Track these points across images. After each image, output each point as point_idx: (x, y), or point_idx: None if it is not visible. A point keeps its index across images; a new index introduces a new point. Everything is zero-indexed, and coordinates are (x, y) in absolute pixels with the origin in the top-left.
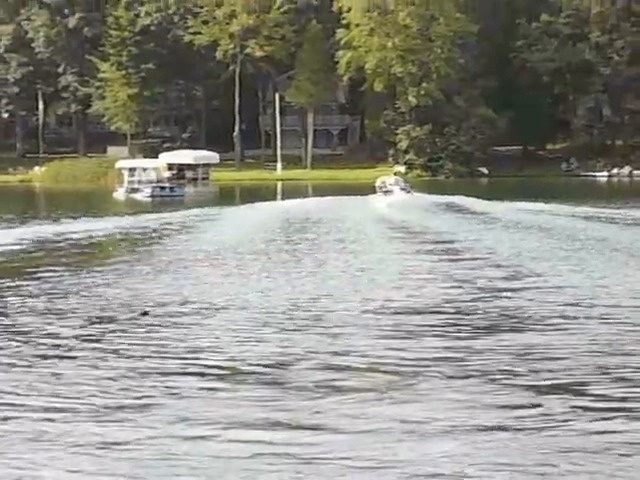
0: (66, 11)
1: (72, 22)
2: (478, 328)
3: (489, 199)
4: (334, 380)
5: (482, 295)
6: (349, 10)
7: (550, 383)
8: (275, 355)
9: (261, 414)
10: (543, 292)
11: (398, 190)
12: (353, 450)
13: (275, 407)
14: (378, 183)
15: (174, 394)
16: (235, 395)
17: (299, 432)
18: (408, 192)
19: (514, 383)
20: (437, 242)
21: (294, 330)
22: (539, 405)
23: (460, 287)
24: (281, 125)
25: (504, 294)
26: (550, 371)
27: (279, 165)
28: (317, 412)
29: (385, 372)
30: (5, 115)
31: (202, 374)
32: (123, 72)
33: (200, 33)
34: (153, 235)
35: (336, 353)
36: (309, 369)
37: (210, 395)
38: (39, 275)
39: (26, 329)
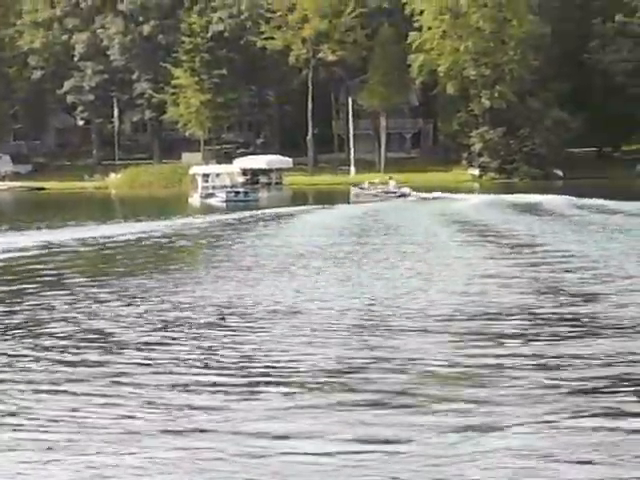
0: (140, 19)
1: (146, 29)
2: (558, 335)
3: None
4: (404, 389)
5: (565, 299)
6: (421, 13)
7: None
8: (345, 361)
9: (333, 425)
10: (632, 296)
11: (408, 193)
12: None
13: (345, 418)
14: (356, 191)
15: (255, 401)
16: (310, 403)
17: (373, 445)
18: (408, 195)
19: (594, 391)
20: (516, 245)
21: (361, 335)
22: (622, 414)
23: (540, 291)
24: (354, 129)
25: (588, 298)
26: (634, 380)
27: (352, 169)
28: (388, 424)
29: (456, 380)
30: (81, 122)
31: (277, 382)
32: (196, 78)
33: (273, 38)
34: (229, 237)
35: (406, 359)
36: (378, 376)
37: (285, 403)
38: (112, 278)
39: (103, 335)
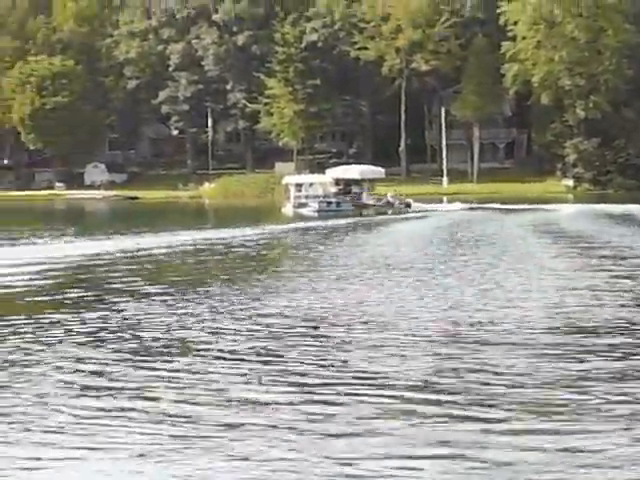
0: (235, 29)
1: (240, 40)
2: None
3: None
4: (488, 402)
5: None
6: (515, 23)
7: None
8: (431, 372)
9: (416, 435)
10: None
11: (411, 204)
12: None
13: (430, 429)
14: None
15: (341, 406)
16: (395, 413)
17: (457, 456)
18: (407, 206)
19: None
20: (609, 257)
21: (449, 347)
22: None
23: (636, 305)
24: (447, 139)
25: None
26: None
27: (445, 179)
28: (471, 437)
29: (542, 396)
30: (175, 132)
31: (362, 392)
32: (290, 88)
33: (366, 48)
34: (319, 246)
35: (492, 373)
36: (463, 389)
37: (370, 412)
38: (205, 285)
39: (194, 343)
